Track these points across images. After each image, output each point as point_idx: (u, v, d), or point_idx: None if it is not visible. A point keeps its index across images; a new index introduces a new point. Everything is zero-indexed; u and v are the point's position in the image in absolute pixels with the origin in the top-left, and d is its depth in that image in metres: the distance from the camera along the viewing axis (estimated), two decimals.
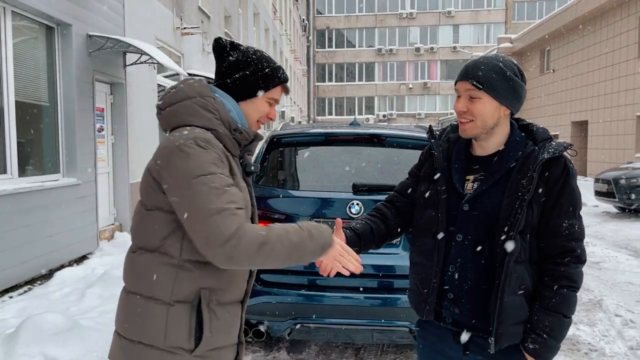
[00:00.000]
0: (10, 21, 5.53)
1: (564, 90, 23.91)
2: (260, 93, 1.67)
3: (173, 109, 1.60)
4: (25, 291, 5.44)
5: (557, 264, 1.66)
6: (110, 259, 6.64)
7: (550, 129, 25.08)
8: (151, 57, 7.35)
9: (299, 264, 1.59)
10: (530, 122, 1.81)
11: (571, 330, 4.42)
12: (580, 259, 1.68)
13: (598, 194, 11.96)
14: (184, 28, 10.74)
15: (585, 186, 16.44)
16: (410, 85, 47.11)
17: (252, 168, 1.74)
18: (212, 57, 13.53)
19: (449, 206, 1.76)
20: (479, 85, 1.65)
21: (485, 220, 1.68)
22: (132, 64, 8.01)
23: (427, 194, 1.83)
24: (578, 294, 1.70)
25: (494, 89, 1.66)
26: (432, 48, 46.71)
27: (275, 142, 3.73)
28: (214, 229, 1.40)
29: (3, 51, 5.41)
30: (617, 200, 11.23)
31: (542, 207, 1.65)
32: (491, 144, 1.74)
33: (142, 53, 7.42)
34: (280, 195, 3.51)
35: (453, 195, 1.76)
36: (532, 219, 1.64)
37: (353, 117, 45.81)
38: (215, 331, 1.58)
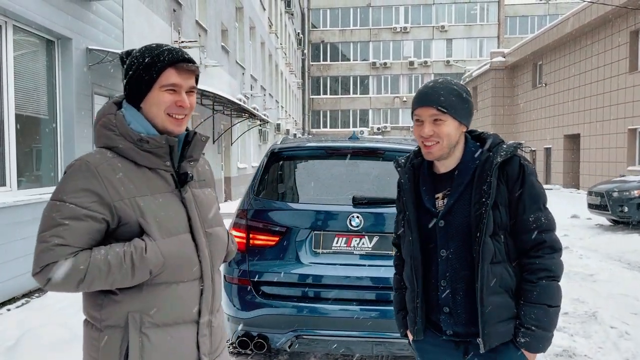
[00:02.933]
0: (11, 35, 5.58)
1: (556, 104, 24.16)
2: (148, 86, 1.55)
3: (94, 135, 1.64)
4: (23, 304, 5.43)
5: (532, 257, 1.76)
6: None
7: (542, 142, 25.33)
8: None
9: None
10: (482, 131, 1.92)
11: (567, 342, 4.47)
12: (554, 248, 1.76)
13: (591, 206, 12.06)
14: (182, 42, 10.83)
15: (578, 199, 16.60)
16: (404, 98, 47.43)
17: (183, 178, 1.61)
18: (209, 70, 13.69)
19: (424, 227, 1.85)
20: (443, 110, 1.75)
21: (461, 231, 1.78)
22: None
23: (403, 222, 1.93)
24: (566, 292, 1.77)
25: (456, 111, 1.77)
26: (425, 62, 47.10)
27: (275, 156, 3.79)
28: (35, 256, 1.45)
29: (4, 64, 5.46)
30: (610, 213, 11.33)
31: (507, 206, 1.75)
32: (452, 160, 1.83)
33: None
34: (281, 208, 3.56)
35: (426, 216, 1.85)
36: (502, 220, 1.74)
37: (348, 129, 45.83)
38: (151, 357, 1.53)
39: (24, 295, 5.62)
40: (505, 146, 1.79)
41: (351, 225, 3.41)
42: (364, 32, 48.07)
